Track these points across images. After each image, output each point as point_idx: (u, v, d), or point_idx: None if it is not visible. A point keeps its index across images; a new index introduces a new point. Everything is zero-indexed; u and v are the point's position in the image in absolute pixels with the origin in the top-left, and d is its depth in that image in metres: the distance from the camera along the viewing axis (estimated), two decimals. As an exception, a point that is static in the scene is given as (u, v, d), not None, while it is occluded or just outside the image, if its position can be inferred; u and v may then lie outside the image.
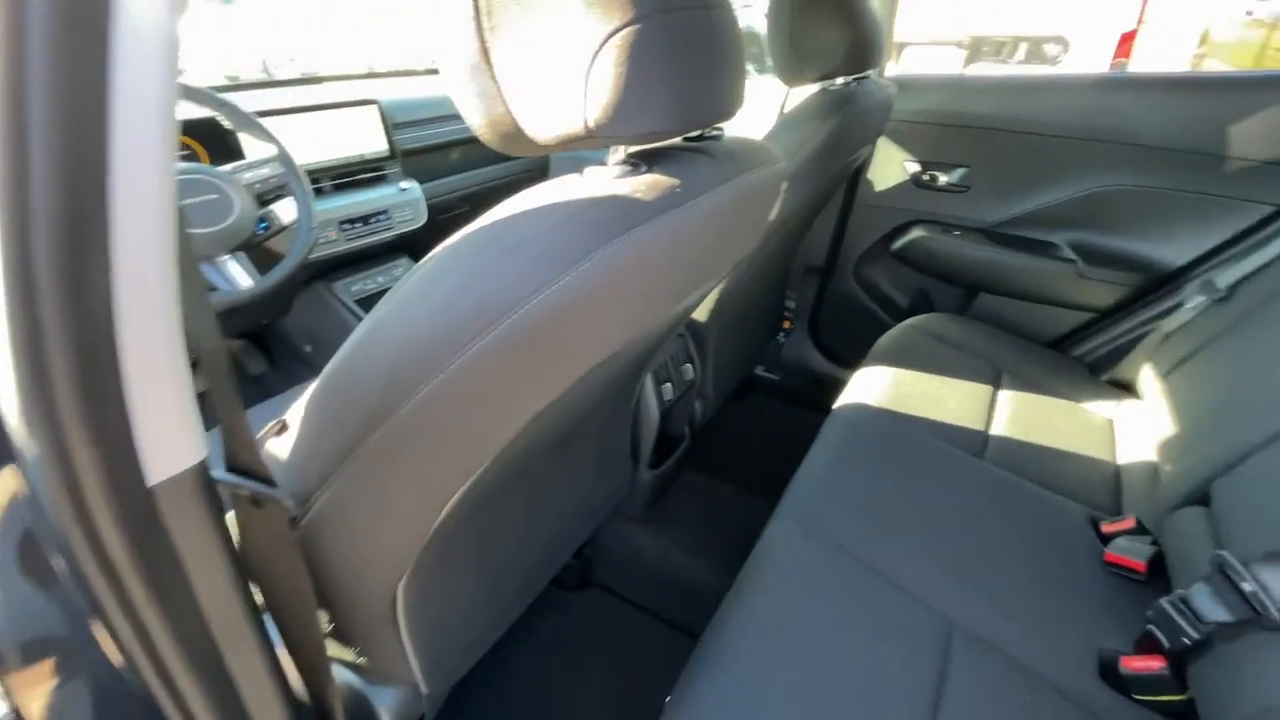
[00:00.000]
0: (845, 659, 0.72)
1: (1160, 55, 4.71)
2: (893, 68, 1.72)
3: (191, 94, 1.03)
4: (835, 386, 1.29)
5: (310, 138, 1.31)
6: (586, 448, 0.87)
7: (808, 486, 0.96)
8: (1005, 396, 1.23)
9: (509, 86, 0.42)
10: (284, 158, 1.11)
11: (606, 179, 0.45)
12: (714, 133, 0.56)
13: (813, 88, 1.20)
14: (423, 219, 1.47)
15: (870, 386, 1.20)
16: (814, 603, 0.78)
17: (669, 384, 1.13)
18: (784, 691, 0.69)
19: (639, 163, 0.47)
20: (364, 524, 0.49)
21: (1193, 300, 1.17)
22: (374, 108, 1.39)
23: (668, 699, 0.69)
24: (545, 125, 0.43)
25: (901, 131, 1.55)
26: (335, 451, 0.45)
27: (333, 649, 0.63)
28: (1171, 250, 1.32)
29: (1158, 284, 1.33)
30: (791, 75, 1.11)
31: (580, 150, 0.45)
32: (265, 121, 1.15)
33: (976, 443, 1.11)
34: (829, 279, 1.74)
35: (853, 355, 1.39)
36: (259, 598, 0.47)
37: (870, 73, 1.31)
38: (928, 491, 0.97)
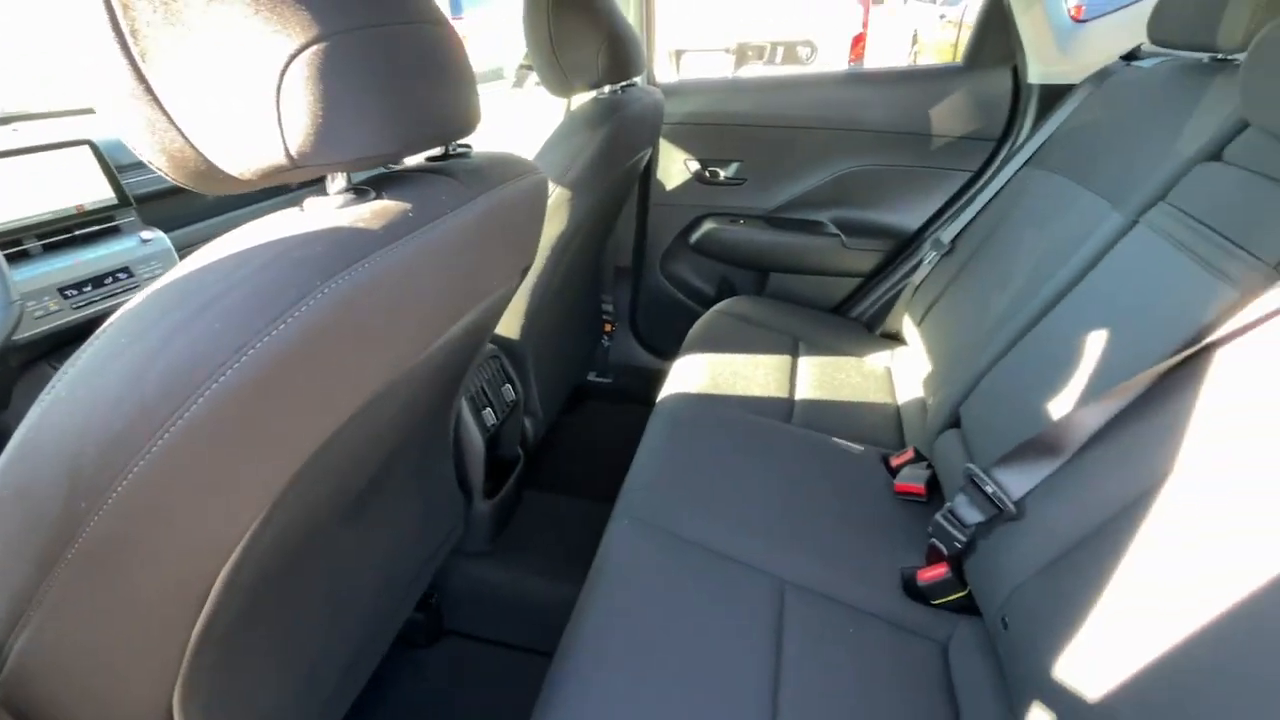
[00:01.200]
0: (691, 642, 0.74)
1: (887, 54, 5.58)
2: (673, 72, 1.83)
3: None
4: (665, 379, 1.34)
5: (1, 192, 1.07)
6: (401, 496, 0.81)
7: (638, 483, 0.98)
8: (804, 363, 1.37)
9: (183, 115, 0.37)
10: (-47, 220, 0.89)
11: (327, 210, 0.41)
12: (460, 150, 0.55)
13: (586, 97, 1.23)
14: (177, 272, 1.28)
15: (686, 375, 1.27)
16: (657, 595, 0.80)
17: (490, 409, 1.09)
18: (637, 689, 0.69)
19: (368, 189, 0.44)
20: (89, 658, 0.40)
21: (928, 256, 1.39)
22: (85, 149, 1.18)
23: None
24: (241, 158, 0.38)
25: (679, 133, 1.65)
26: (20, 584, 0.36)
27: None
28: (909, 216, 1.55)
29: (903, 246, 1.57)
30: (560, 87, 1.13)
31: (285, 179, 0.40)
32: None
33: (784, 410, 1.21)
34: (640, 278, 1.81)
35: (675, 347, 1.46)
36: None
37: (637, 80, 1.38)
38: (747, 464, 1.04)
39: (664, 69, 5.51)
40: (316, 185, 0.43)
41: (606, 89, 1.21)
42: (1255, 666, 0.46)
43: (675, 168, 1.68)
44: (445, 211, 0.45)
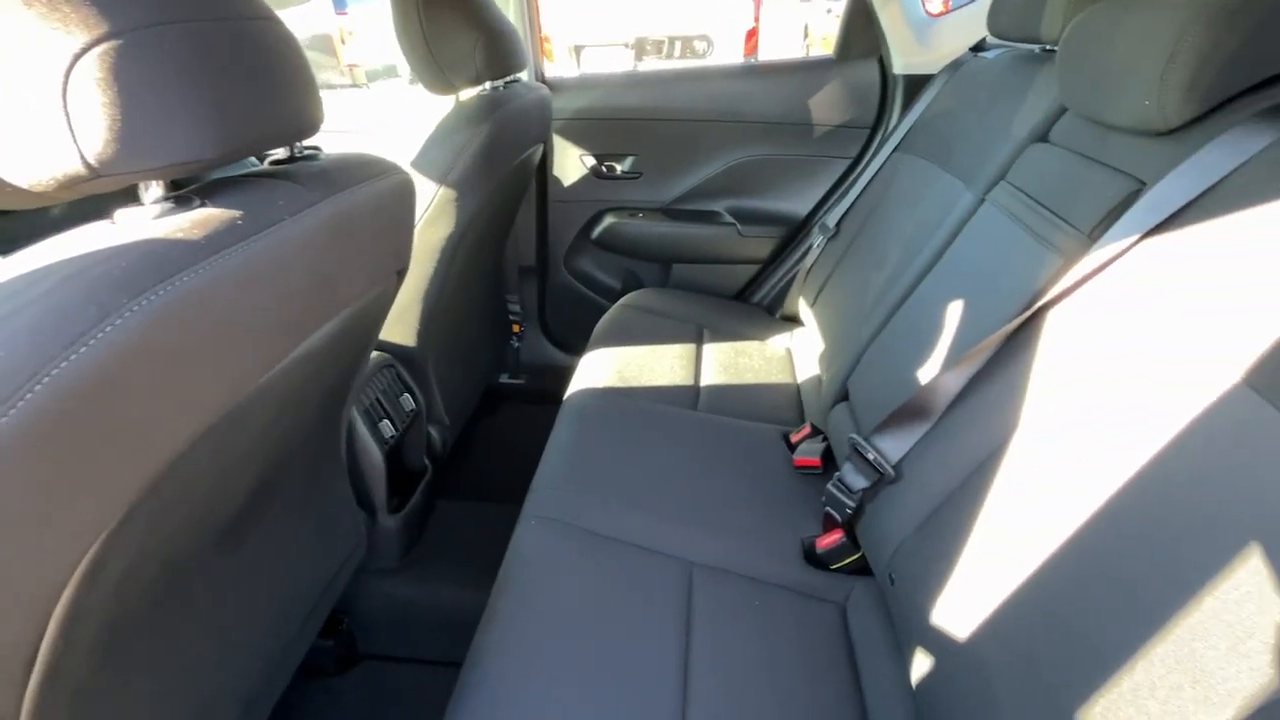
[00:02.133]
0: (600, 634, 0.75)
1: (780, 47, 5.79)
2: (574, 67, 1.82)
3: None
4: None
5: None
6: (288, 519, 0.77)
7: (545, 482, 0.98)
8: (709, 350, 1.40)
9: None
10: None
11: (141, 221, 0.38)
12: (307, 153, 0.52)
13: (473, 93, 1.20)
14: (17, 298, 1.14)
15: (593, 371, 1.27)
16: (565, 592, 0.80)
17: (387, 420, 1.05)
18: (546, 688, 0.69)
19: (192, 198, 0.41)
20: None
21: (817, 240, 1.46)
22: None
23: None
24: (29, 168, 0.35)
25: (572, 129, 1.65)
26: None
27: None
28: (798, 203, 1.62)
29: (795, 232, 1.64)
30: (440, 84, 1.10)
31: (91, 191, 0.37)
32: None
33: (690, 397, 1.24)
34: (545, 276, 1.79)
35: (586, 343, 1.46)
36: None
37: (521, 75, 1.36)
38: (653, 453, 1.05)
39: (565, 64, 5.48)
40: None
41: (489, 85, 1.18)
42: (1092, 599, 0.51)
43: (571, 164, 1.68)
44: (282, 217, 0.43)
